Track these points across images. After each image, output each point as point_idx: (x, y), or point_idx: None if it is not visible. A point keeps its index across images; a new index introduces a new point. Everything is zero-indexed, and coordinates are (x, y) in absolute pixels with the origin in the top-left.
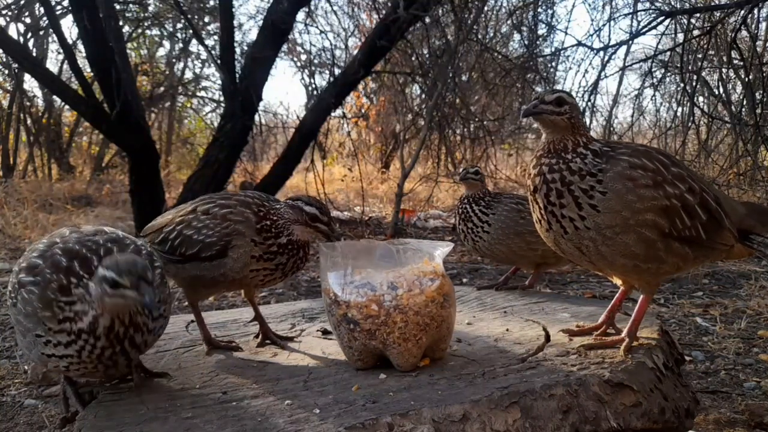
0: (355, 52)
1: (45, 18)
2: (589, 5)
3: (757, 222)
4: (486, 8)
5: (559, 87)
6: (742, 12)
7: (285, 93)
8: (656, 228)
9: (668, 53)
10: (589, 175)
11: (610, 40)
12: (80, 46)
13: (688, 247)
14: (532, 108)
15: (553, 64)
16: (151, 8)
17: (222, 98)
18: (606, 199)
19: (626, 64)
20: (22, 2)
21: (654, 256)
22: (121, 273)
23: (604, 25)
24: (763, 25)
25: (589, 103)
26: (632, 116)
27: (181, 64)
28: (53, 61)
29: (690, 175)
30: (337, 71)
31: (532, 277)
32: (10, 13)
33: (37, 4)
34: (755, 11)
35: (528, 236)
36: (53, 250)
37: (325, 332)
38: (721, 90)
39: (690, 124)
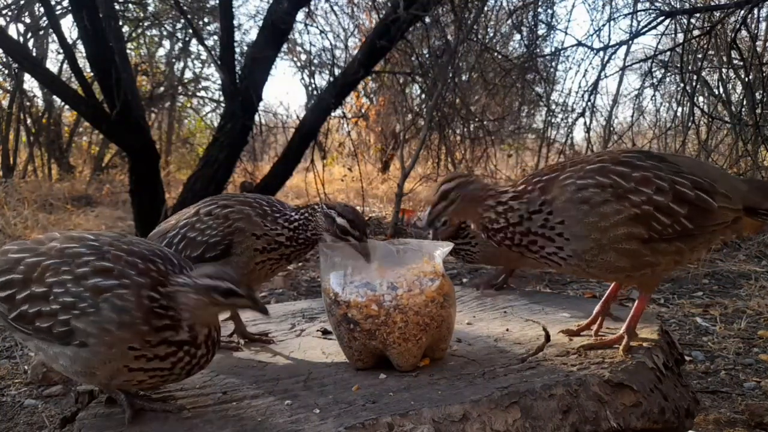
0: (355, 52)
1: (45, 18)
2: (589, 5)
3: (761, 198)
4: (486, 8)
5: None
6: (742, 12)
7: (285, 93)
8: (634, 238)
9: (668, 53)
10: (534, 213)
11: (610, 40)
12: (80, 46)
13: (679, 242)
14: (430, 217)
15: (553, 64)
16: (151, 8)
17: (222, 98)
18: (567, 227)
19: (626, 64)
20: (22, 2)
21: (643, 263)
22: (235, 282)
23: (604, 25)
24: (763, 25)
25: (589, 103)
26: (632, 116)
27: (181, 64)
28: (53, 61)
29: (657, 174)
30: (337, 71)
31: (504, 277)
32: (10, 13)
33: (37, 4)
34: (755, 11)
35: None
36: (111, 251)
37: (325, 332)
38: (721, 90)
39: (690, 124)
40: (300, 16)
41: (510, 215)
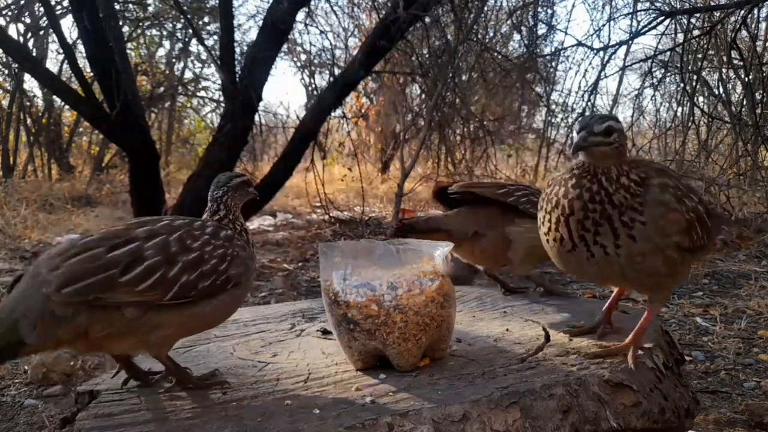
0: (355, 52)
1: (45, 18)
2: (589, 5)
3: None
4: (486, 8)
5: (604, 111)
6: (742, 12)
7: (285, 93)
8: (678, 247)
9: (668, 53)
10: (630, 209)
11: (610, 40)
12: (80, 46)
13: (692, 255)
14: (582, 142)
15: (553, 64)
16: (151, 8)
17: (222, 98)
18: (645, 229)
19: (626, 64)
20: (22, 2)
21: (674, 272)
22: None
23: (604, 25)
24: (763, 25)
25: (589, 103)
26: (632, 116)
27: (181, 64)
28: (53, 61)
29: (690, 185)
30: (337, 71)
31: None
32: (10, 13)
33: (37, 4)
34: (755, 11)
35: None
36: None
37: (325, 332)
38: (721, 90)
39: (690, 124)
40: (300, 16)
41: (617, 195)
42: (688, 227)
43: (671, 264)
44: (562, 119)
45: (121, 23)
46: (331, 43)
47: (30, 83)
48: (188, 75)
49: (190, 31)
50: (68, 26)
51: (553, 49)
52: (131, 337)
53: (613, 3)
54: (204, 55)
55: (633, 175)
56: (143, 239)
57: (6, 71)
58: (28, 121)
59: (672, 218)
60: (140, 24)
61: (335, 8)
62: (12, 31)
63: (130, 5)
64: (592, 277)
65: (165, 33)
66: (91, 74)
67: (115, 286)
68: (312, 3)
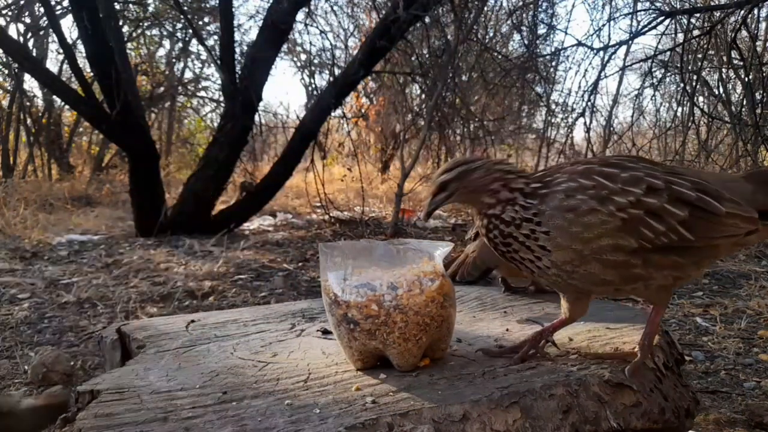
0: (355, 52)
1: (45, 18)
2: (589, 5)
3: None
4: (486, 8)
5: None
6: (742, 12)
7: (285, 93)
8: (621, 249)
9: (668, 53)
10: (525, 221)
11: (610, 40)
12: (80, 46)
13: (675, 255)
14: (429, 208)
15: (553, 64)
16: (151, 8)
17: (222, 98)
18: (551, 238)
19: (626, 64)
20: (22, 2)
21: (633, 276)
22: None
23: (604, 25)
24: (763, 25)
25: (589, 103)
26: (632, 116)
27: (181, 64)
28: (53, 61)
29: (650, 173)
30: (337, 71)
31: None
32: (10, 13)
33: (37, 4)
34: (755, 11)
35: None
36: None
37: (325, 332)
38: (721, 90)
39: (690, 124)
40: (300, 16)
41: (507, 213)
42: (629, 226)
43: (620, 267)
44: (562, 119)
45: (121, 23)
46: (331, 43)
47: (30, 83)
48: (188, 75)
49: (190, 31)
50: (68, 26)
51: (553, 49)
52: None
53: (613, 3)
54: (204, 55)
55: (516, 184)
56: None
57: (6, 71)
58: (28, 121)
59: (589, 221)
60: (140, 24)
61: (335, 8)
62: (12, 31)
63: (130, 5)
64: (556, 288)
65: (165, 33)
66: (91, 74)
67: None
68: (312, 3)
